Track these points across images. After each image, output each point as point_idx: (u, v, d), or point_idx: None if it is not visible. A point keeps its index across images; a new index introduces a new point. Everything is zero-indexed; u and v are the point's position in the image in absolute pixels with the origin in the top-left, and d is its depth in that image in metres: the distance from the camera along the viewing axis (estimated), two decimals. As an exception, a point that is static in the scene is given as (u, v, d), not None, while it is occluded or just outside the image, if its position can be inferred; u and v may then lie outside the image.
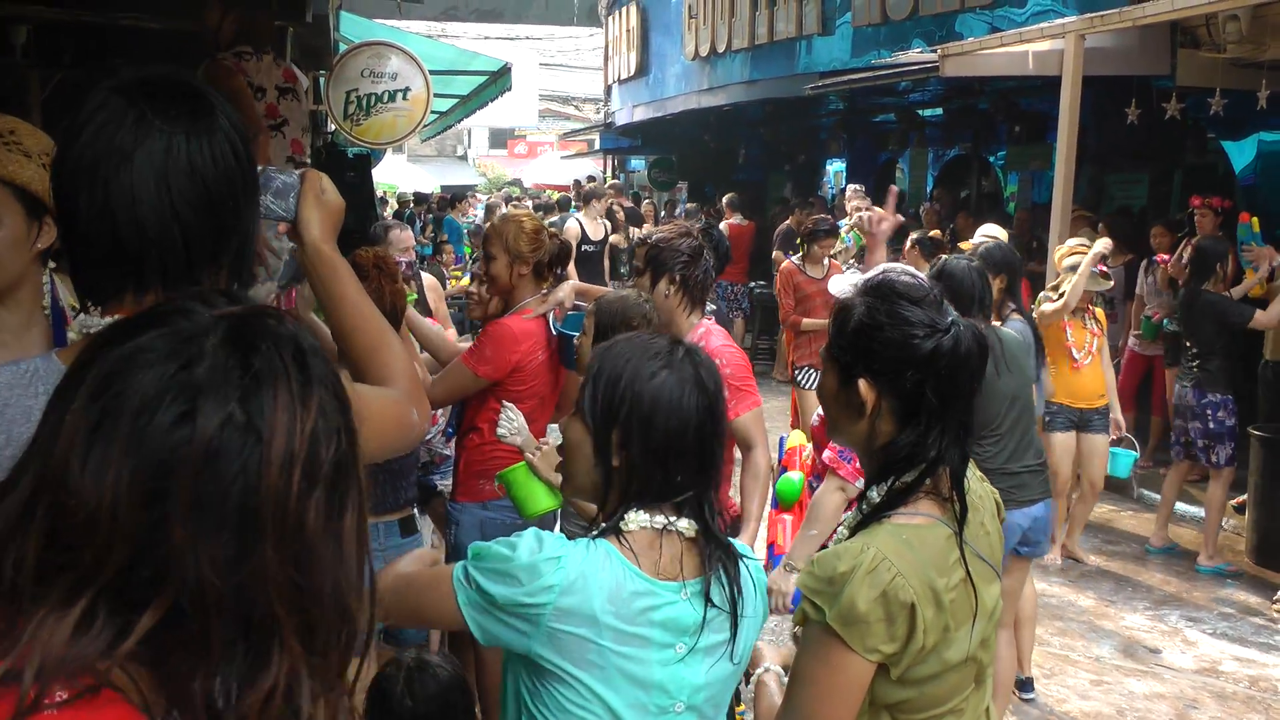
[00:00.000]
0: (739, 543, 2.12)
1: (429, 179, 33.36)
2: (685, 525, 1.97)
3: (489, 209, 17.03)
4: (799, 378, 8.84)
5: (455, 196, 23.34)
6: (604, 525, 1.99)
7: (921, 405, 2.01)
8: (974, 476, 2.25)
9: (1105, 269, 7.46)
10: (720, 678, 2.02)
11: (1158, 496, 8.76)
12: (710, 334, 4.13)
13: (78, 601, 0.98)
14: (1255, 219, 8.20)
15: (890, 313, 2.05)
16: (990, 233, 8.25)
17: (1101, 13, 8.58)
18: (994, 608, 2.17)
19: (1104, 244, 7.14)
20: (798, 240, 9.64)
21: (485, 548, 1.95)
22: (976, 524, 2.15)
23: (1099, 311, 7.42)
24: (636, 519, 1.95)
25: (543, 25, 30.10)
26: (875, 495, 2.10)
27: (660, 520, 1.96)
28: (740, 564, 2.02)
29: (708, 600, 1.94)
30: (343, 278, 1.88)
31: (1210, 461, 7.45)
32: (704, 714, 2.02)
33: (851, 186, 12.25)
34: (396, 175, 30.54)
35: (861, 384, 2.05)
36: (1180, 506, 8.32)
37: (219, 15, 5.24)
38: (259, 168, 1.87)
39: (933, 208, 13.33)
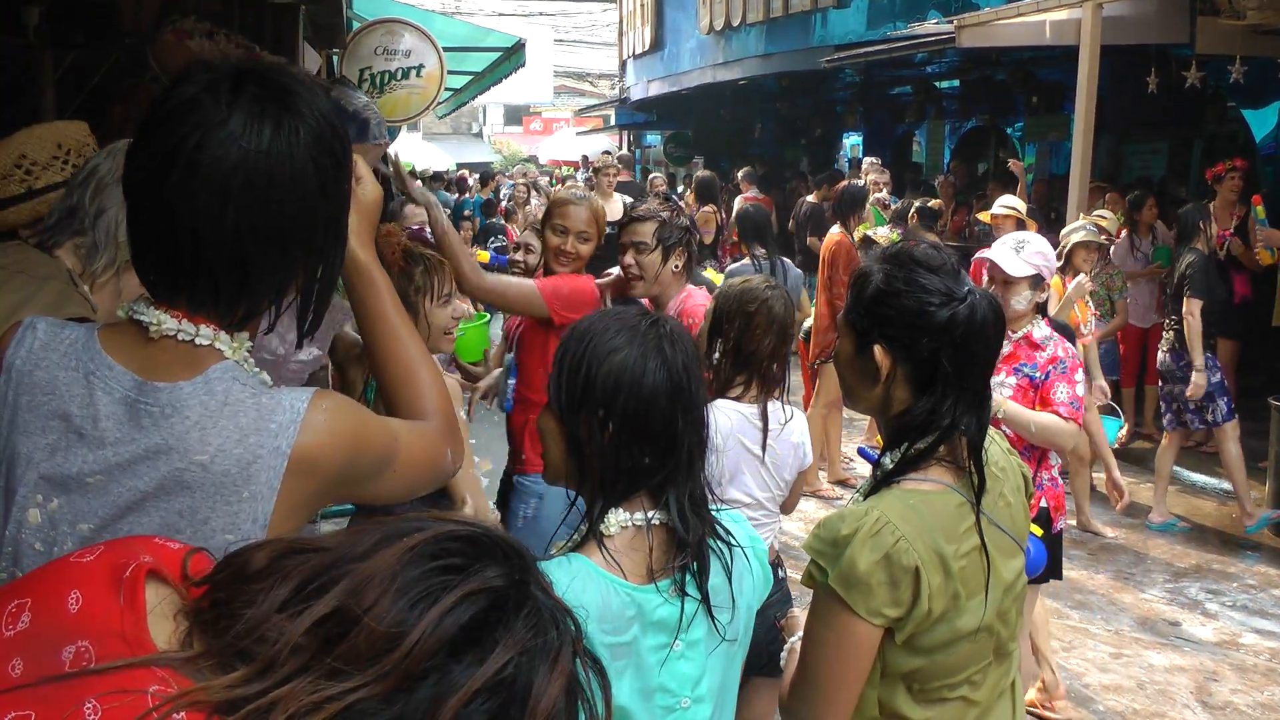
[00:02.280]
0: (733, 515, 2.10)
1: (444, 156, 33.35)
2: (663, 516, 1.93)
3: (514, 189, 16.86)
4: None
5: (485, 175, 23.14)
6: (585, 530, 1.95)
7: (937, 373, 2.01)
8: (999, 449, 2.25)
9: (1106, 222, 7.63)
10: (720, 661, 1.99)
11: (1178, 470, 8.74)
12: (691, 298, 4.21)
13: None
14: (1260, 206, 8.20)
15: (908, 280, 2.05)
16: (1009, 203, 8.22)
17: (1120, -19, 8.52)
18: (1014, 581, 2.15)
19: (1082, 280, 7.20)
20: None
21: None
22: (996, 494, 2.14)
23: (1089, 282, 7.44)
24: (616, 519, 1.91)
25: (557, 1, 30.02)
26: (889, 461, 2.10)
27: (640, 517, 1.92)
28: (724, 547, 1.97)
29: (683, 589, 1.91)
30: (382, 294, 1.75)
31: (1206, 422, 7.45)
32: (712, 699, 1.99)
33: (868, 160, 12.19)
34: (412, 153, 30.53)
35: (877, 350, 2.06)
36: (1198, 478, 8.29)
37: (134, 6, 5.08)
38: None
39: (947, 179, 13.27)
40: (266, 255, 1.47)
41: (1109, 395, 7.40)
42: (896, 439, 2.09)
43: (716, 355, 3.47)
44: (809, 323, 8.39)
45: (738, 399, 3.42)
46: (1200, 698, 5.38)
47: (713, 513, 2.01)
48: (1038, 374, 4.21)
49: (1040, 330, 4.33)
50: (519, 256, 5.17)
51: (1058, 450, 4.36)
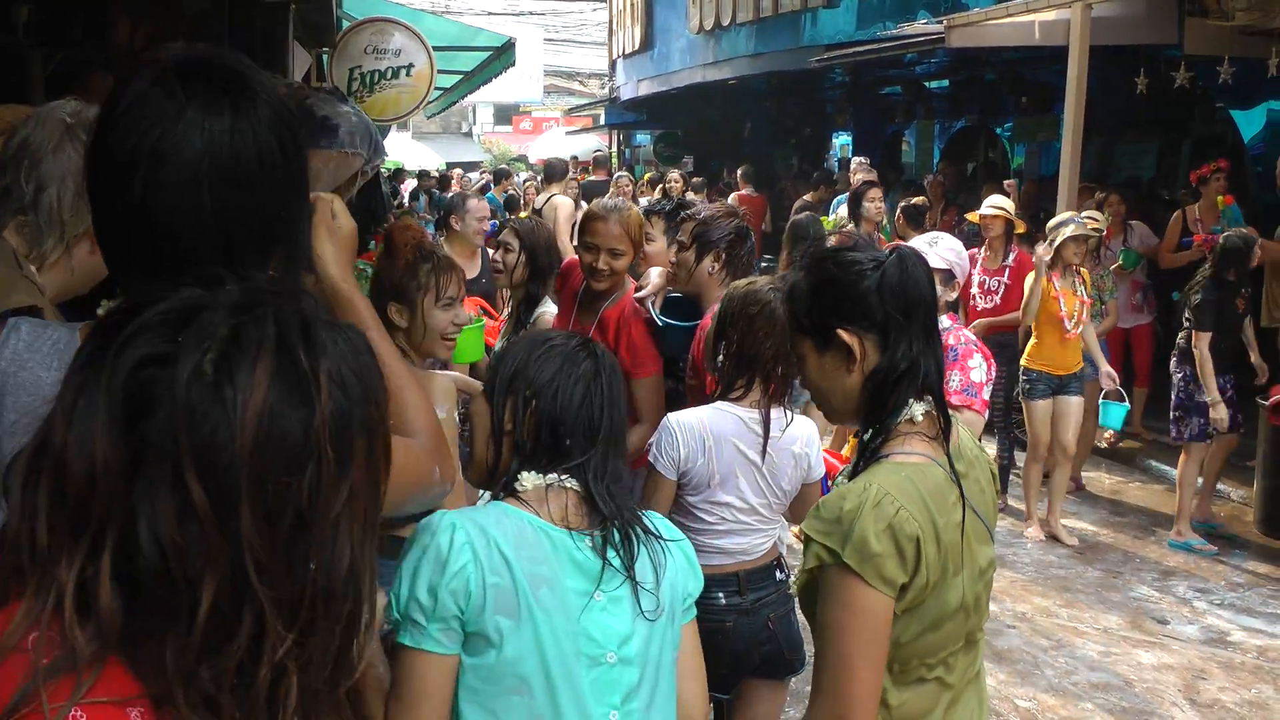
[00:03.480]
0: (657, 518, 2.22)
1: (434, 156, 33.31)
2: (576, 484, 2.07)
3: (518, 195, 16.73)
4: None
5: (500, 173, 23.06)
6: (499, 488, 2.09)
7: (890, 324, 2.09)
8: (969, 438, 2.30)
9: (1096, 223, 7.64)
10: (651, 632, 2.04)
11: (1163, 467, 8.77)
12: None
13: (100, 569, 0.98)
14: (1232, 205, 8.28)
15: (837, 262, 2.16)
16: (998, 204, 8.24)
17: (1109, -19, 8.55)
18: (987, 567, 2.20)
19: (1042, 250, 7.34)
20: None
21: (394, 596, 1.95)
22: (973, 480, 2.19)
23: (1085, 273, 7.44)
24: (530, 478, 2.05)
25: (547, 0, 30.03)
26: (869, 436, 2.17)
27: (552, 478, 2.05)
28: (643, 534, 2.09)
29: (604, 552, 2.01)
30: (363, 318, 1.75)
31: (1174, 435, 7.48)
32: (639, 669, 2.03)
33: (856, 160, 12.21)
34: (402, 152, 30.48)
35: (841, 333, 2.11)
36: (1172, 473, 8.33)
37: (129, 29, 5.03)
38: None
39: (936, 179, 13.28)
40: (248, 234, 1.47)
41: (1117, 381, 7.46)
42: (875, 404, 2.13)
43: (721, 358, 3.44)
44: None
45: (737, 401, 3.39)
46: (1188, 695, 5.41)
47: (640, 514, 2.14)
48: None
49: (943, 322, 4.22)
50: (498, 257, 5.07)
51: None
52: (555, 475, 2.05)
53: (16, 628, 0.99)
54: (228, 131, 1.44)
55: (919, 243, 4.48)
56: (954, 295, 4.57)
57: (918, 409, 2.10)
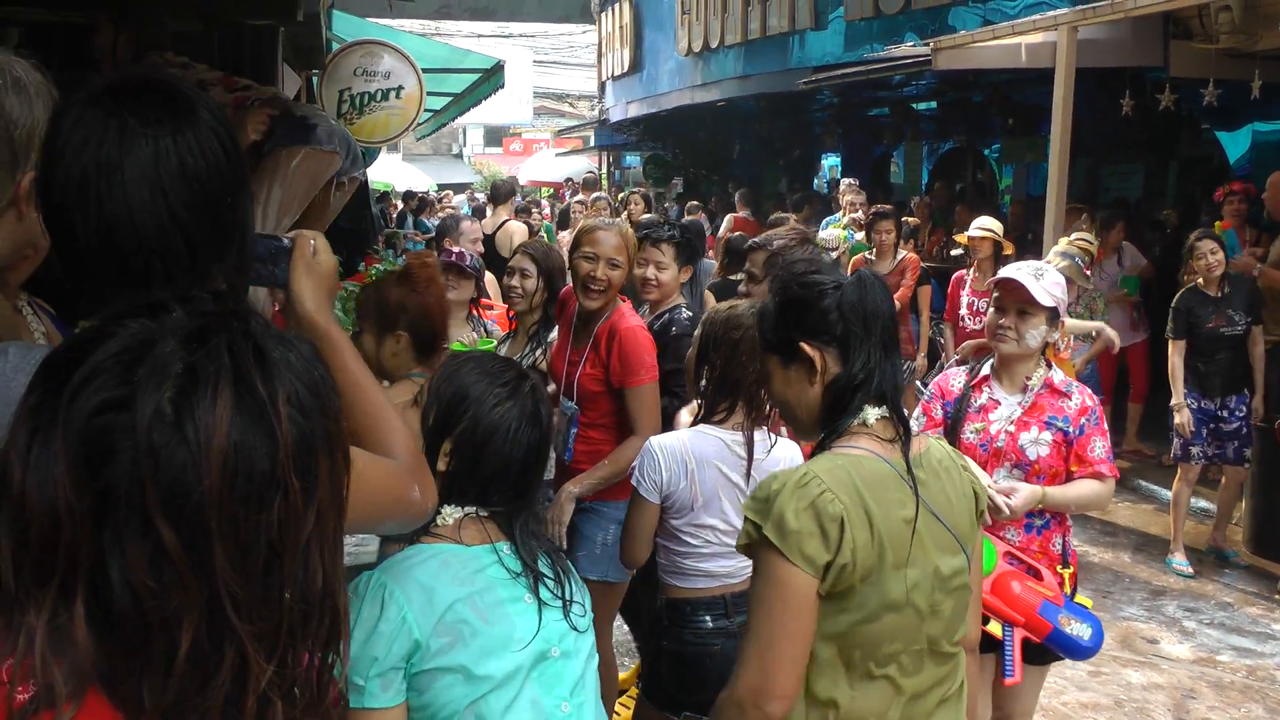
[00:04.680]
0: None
1: (424, 178, 33.33)
2: (495, 518, 2.18)
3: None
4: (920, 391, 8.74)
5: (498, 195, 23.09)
6: (419, 530, 2.14)
7: (850, 337, 2.23)
8: (944, 451, 2.41)
9: (1088, 245, 7.63)
10: (576, 631, 2.18)
11: (1153, 487, 8.79)
12: None
13: (74, 613, 0.98)
14: (1229, 230, 8.30)
15: (799, 282, 2.30)
16: (985, 225, 8.27)
17: (1094, 4, 8.58)
18: (951, 577, 2.26)
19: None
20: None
21: (352, 665, 1.99)
22: (938, 490, 2.28)
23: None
24: (450, 511, 2.15)
25: (536, 23, 30.07)
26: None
27: (471, 509, 2.16)
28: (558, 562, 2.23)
29: (528, 561, 2.14)
30: (340, 349, 1.79)
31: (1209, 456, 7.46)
32: (576, 659, 2.17)
33: (846, 181, 12.25)
34: (392, 174, 30.51)
35: (803, 346, 2.25)
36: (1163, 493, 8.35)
37: (112, 33, 4.98)
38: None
39: (924, 200, 13.33)
40: (204, 229, 1.54)
41: None
42: (833, 411, 2.26)
43: (704, 382, 3.42)
44: None
45: (720, 424, 3.38)
46: (1178, 715, 5.41)
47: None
48: (1071, 428, 3.76)
49: (1057, 374, 3.90)
50: (515, 283, 5.01)
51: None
52: (474, 507, 2.17)
53: None
54: (170, 136, 1.50)
55: (1023, 272, 3.82)
56: (1056, 335, 4.00)
57: (872, 414, 2.23)
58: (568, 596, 2.15)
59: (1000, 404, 3.85)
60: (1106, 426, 3.85)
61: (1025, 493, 3.68)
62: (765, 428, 3.43)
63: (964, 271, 8.49)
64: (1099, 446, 3.77)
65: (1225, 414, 7.28)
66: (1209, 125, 11.61)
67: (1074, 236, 7.83)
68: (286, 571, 1.05)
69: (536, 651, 2.07)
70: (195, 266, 1.54)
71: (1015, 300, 3.77)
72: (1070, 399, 3.80)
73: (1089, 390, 3.90)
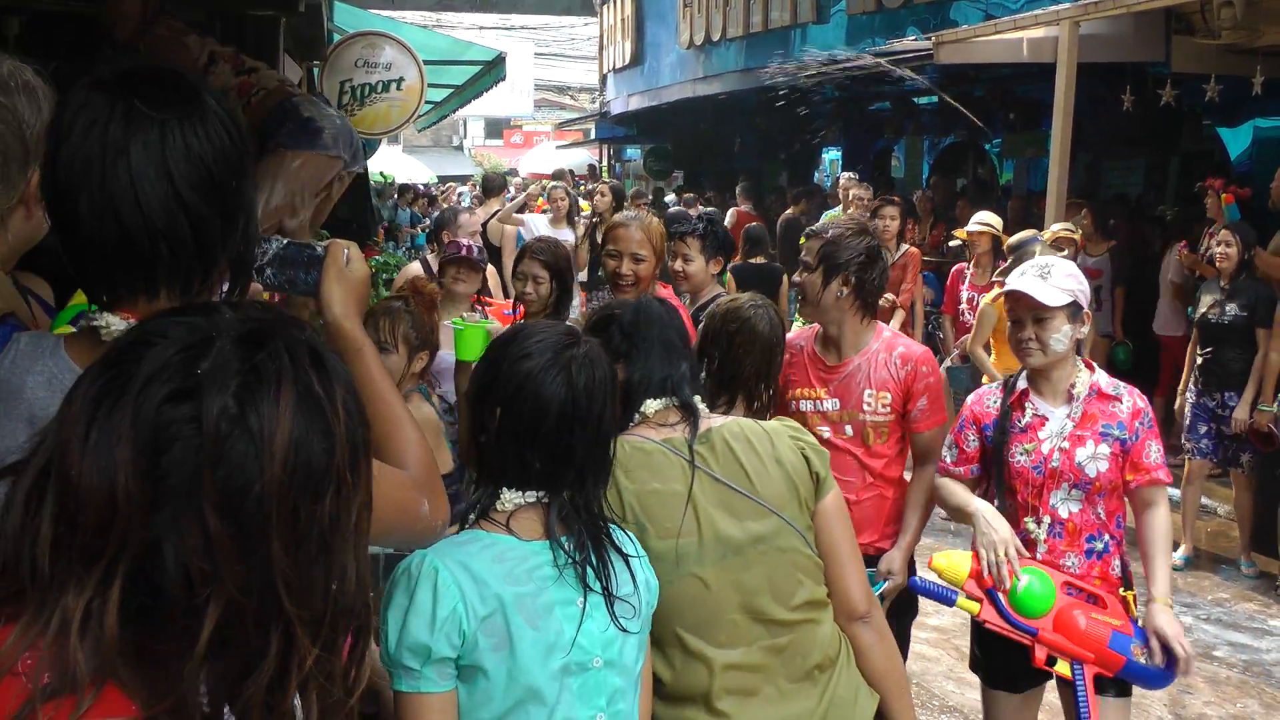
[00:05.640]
0: (629, 534, 2.27)
1: (424, 169, 33.31)
2: (551, 499, 2.11)
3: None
4: None
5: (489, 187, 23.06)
6: (475, 509, 2.12)
7: (630, 352, 2.59)
8: (761, 426, 2.62)
9: (1071, 234, 7.57)
10: (624, 639, 2.11)
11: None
12: (900, 339, 3.99)
13: (108, 599, 1.00)
14: (1232, 204, 8.24)
15: (599, 313, 2.75)
16: (984, 220, 8.27)
17: (1096, -1, 8.60)
18: (750, 542, 2.46)
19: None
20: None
21: (385, 645, 1.98)
22: (728, 460, 2.50)
23: None
24: (510, 496, 2.09)
25: (538, 15, 30.03)
26: None
27: (532, 495, 2.09)
28: (618, 554, 2.14)
29: (584, 563, 2.06)
30: (366, 358, 1.81)
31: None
32: (621, 674, 2.10)
33: (846, 174, 12.24)
34: (393, 165, 30.48)
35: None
36: (1174, 493, 8.32)
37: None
38: (283, 240, 1.85)
39: (926, 194, 13.33)
40: (209, 212, 1.54)
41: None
42: (624, 411, 2.50)
43: (704, 375, 3.38)
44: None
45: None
46: (1174, 711, 5.42)
47: (610, 528, 2.17)
48: (1126, 435, 3.48)
49: (1102, 375, 3.60)
50: (529, 289, 4.86)
51: None
52: (534, 493, 2.09)
53: (11, 650, 1.00)
54: (176, 120, 1.51)
55: (1026, 271, 3.60)
56: (1085, 330, 3.59)
57: (650, 406, 2.55)
58: (616, 593, 2.07)
59: (1048, 419, 3.54)
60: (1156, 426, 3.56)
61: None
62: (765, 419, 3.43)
63: (963, 265, 8.49)
64: (1154, 451, 3.49)
65: (1224, 412, 7.24)
66: (1210, 121, 11.61)
67: (1056, 227, 7.77)
68: (334, 562, 1.09)
69: (578, 661, 2.02)
70: (201, 250, 1.55)
71: (1028, 309, 3.50)
72: (1121, 402, 3.52)
73: (1137, 390, 3.60)
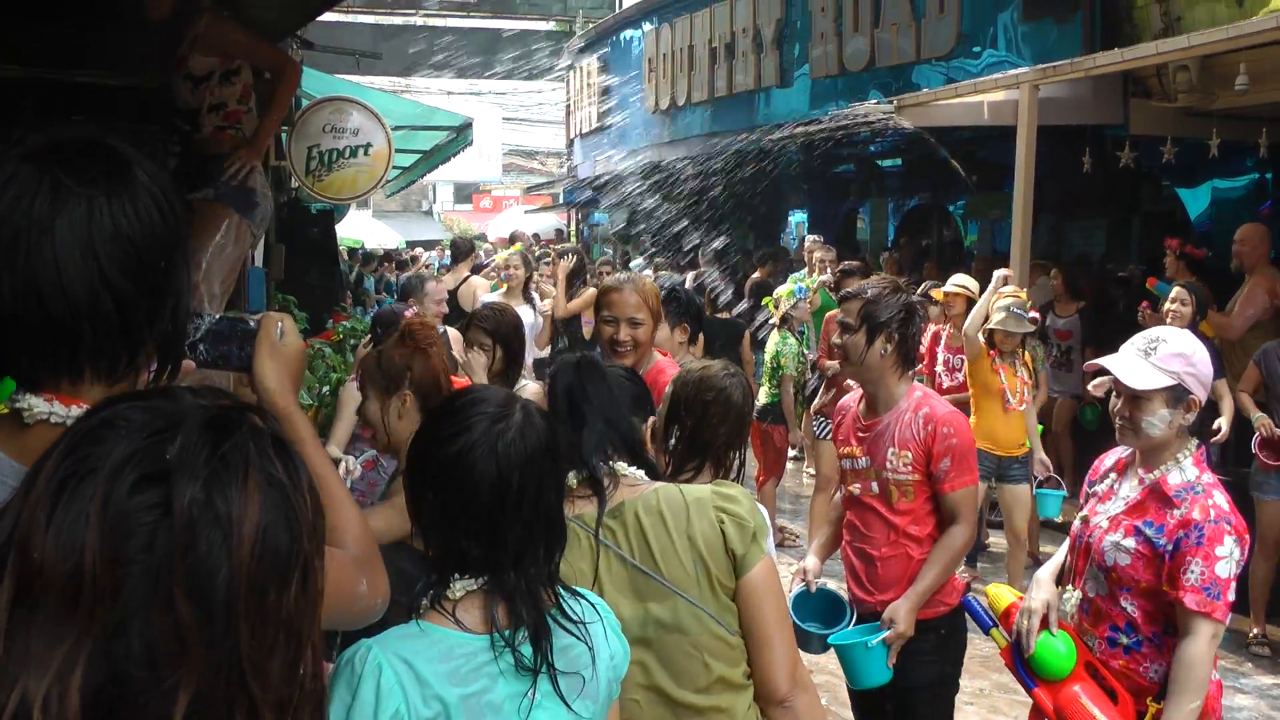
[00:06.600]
0: (596, 600, 2.13)
1: (394, 234, 33.37)
2: (495, 585, 1.96)
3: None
4: (816, 428, 8.72)
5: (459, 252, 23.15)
6: (423, 597, 1.98)
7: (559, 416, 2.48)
8: (685, 496, 2.51)
9: (1036, 314, 7.55)
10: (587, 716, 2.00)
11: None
12: (929, 400, 3.97)
13: (73, 673, 0.98)
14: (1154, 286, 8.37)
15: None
16: (960, 282, 8.32)
17: (1054, 63, 8.73)
18: (649, 623, 2.41)
19: (1001, 272, 7.34)
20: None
21: None
22: (637, 537, 2.44)
23: (1028, 356, 7.43)
24: (461, 584, 1.94)
25: (505, 80, 30.28)
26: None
27: (476, 582, 1.95)
28: (565, 624, 1.99)
29: (536, 650, 1.92)
30: (301, 435, 1.77)
31: None
32: None
33: (811, 237, 12.34)
34: (361, 230, 30.52)
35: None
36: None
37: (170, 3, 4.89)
38: (215, 315, 1.81)
39: (893, 255, 13.42)
40: (136, 293, 1.49)
41: (1050, 469, 7.42)
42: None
43: (672, 441, 3.34)
44: (761, 400, 8.43)
45: (688, 484, 3.29)
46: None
47: (568, 595, 2.05)
48: (1164, 540, 3.16)
49: (1180, 474, 3.23)
50: (470, 356, 4.87)
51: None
52: (481, 579, 1.95)
53: None
54: (104, 196, 1.46)
55: (1134, 344, 3.32)
56: (1191, 418, 3.25)
57: (571, 478, 2.42)
58: (569, 670, 1.95)
59: (1114, 495, 3.40)
60: (1225, 551, 3.09)
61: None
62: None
63: (940, 327, 8.53)
64: (1194, 571, 3.08)
65: None
66: (1169, 182, 11.77)
67: (1005, 290, 7.76)
68: (301, 647, 1.10)
69: None
70: (126, 332, 1.51)
71: (1124, 386, 3.25)
72: (1177, 507, 3.17)
73: (1217, 501, 3.16)
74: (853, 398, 4.14)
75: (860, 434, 3.98)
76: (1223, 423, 7.04)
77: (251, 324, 1.80)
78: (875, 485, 3.90)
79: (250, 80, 5.00)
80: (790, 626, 2.61)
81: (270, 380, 1.78)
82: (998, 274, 7.36)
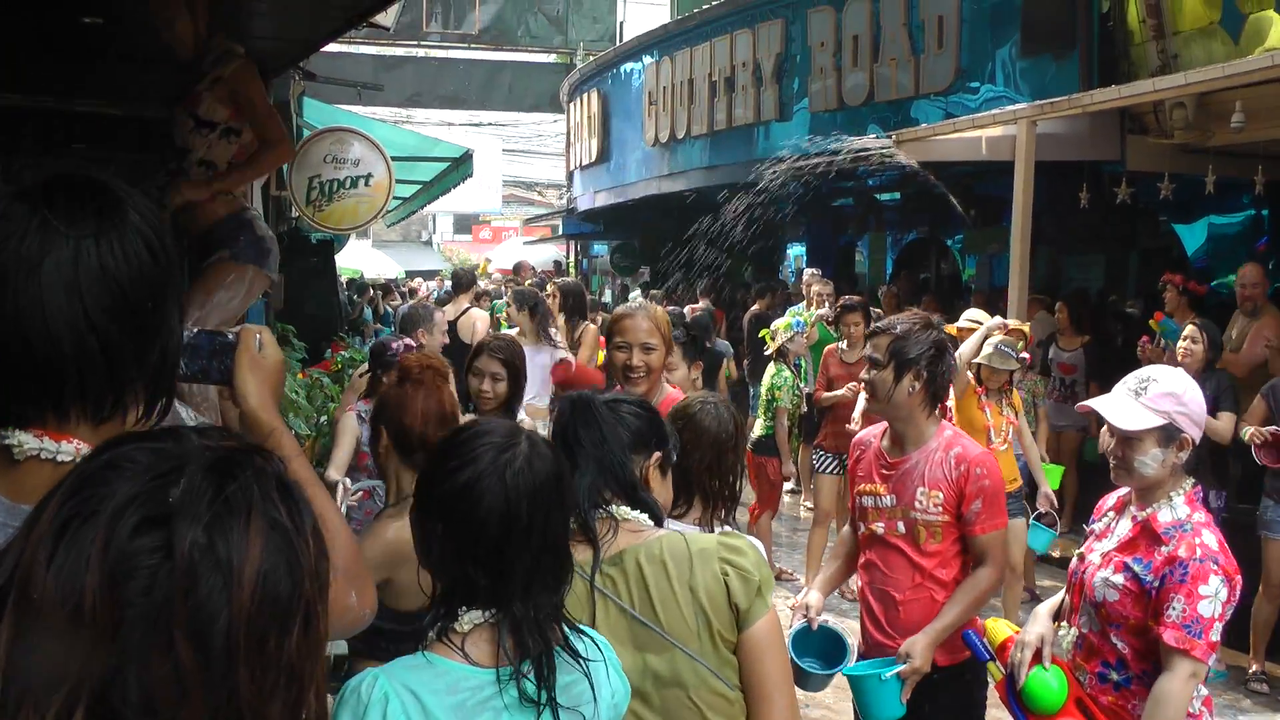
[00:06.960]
0: (599, 638, 2.13)
1: (393, 264, 33.43)
2: (503, 617, 1.96)
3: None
4: (815, 461, 8.72)
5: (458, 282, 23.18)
6: (432, 628, 1.98)
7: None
8: (688, 546, 2.41)
9: (1026, 355, 7.53)
10: None
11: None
12: (960, 439, 3.89)
13: (73, 714, 0.98)
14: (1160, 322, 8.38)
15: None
16: (974, 317, 8.31)
17: (1052, 100, 8.78)
18: (646, 675, 2.34)
19: (995, 321, 7.32)
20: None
21: None
22: (638, 586, 2.37)
23: (1016, 397, 7.39)
24: (469, 616, 1.94)
25: (506, 111, 30.41)
26: None
27: (484, 614, 1.94)
28: (571, 659, 1.98)
29: (541, 685, 1.91)
30: (287, 454, 1.71)
31: None
32: None
33: (810, 270, 12.37)
34: (361, 260, 30.58)
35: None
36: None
37: (192, 27, 4.75)
38: (194, 330, 1.79)
39: (890, 290, 13.45)
40: (122, 334, 1.49)
41: (1054, 504, 7.38)
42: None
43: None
44: (757, 432, 8.43)
45: (680, 518, 3.19)
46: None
47: (573, 631, 2.04)
48: (1150, 576, 3.16)
49: (1170, 513, 3.23)
50: (485, 387, 4.82)
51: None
52: (490, 611, 1.94)
53: None
54: (92, 237, 1.46)
55: (1125, 384, 3.34)
56: (1185, 456, 3.23)
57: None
58: (570, 705, 1.95)
59: (1111, 532, 3.41)
60: (1210, 590, 3.06)
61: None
62: (721, 519, 3.29)
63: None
64: (1176, 607, 3.07)
65: None
66: (1166, 218, 11.81)
67: (1010, 322, 7.79)
68: (302, 690, 1.09)
69: None
70: (112, 373, 1.50)
71: (1115, 428, 3.27)
72: (1165, 545, 3.17)
73: (1205, 540, 3.14)
74: (873, 432, 4.05)
75: (884, 471, 3.88)
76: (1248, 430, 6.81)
77: (230, 337, 1.79)
78: (901, 525, 3.80)
79: (250, 145, 4.79)
80: (791, 683, 2.56)
81: (252, 394, 1.77)
82: (993, 321, 7.37)
